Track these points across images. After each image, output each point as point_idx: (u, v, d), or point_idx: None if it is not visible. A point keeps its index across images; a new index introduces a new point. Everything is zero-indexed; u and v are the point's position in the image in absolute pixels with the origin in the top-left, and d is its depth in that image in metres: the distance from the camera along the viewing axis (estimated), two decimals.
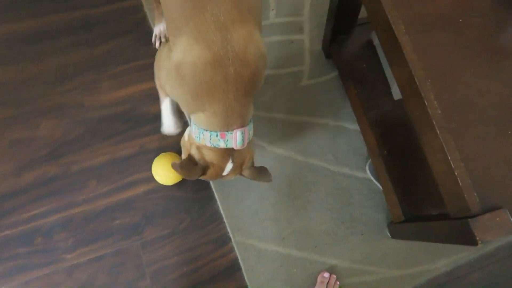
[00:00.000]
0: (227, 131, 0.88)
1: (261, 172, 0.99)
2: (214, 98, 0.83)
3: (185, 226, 1.25)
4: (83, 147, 1.29)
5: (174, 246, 1.23)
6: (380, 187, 1.27)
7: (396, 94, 1.27)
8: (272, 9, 1.49)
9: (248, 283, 1.21)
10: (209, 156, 0.92)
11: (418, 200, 1.13)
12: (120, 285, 1.19)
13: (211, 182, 1.29)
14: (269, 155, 1.33)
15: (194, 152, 0.93)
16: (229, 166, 0.94)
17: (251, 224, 1.26)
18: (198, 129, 0.90)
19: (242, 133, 0.89)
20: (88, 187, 1.26)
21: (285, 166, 1.32)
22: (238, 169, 0.96)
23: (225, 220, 1.26)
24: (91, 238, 1.22)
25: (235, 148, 0.90)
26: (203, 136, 0.89)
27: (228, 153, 0.92)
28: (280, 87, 1.40)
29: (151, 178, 1.26)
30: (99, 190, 1.26)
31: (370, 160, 1.32)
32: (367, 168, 1.34)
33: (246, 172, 0.98)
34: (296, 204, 1.29)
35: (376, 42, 1.33)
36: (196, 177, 0.94)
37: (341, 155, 1.35)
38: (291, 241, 1.26)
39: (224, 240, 1.24)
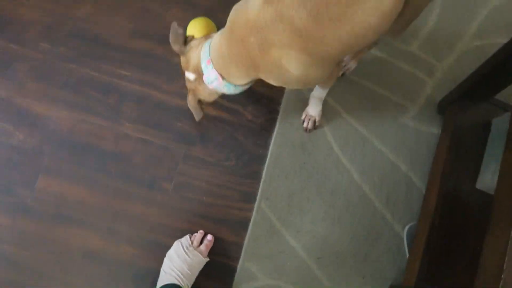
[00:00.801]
0: None
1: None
2: None
3: (228, 165, 1.30)
4: None
5: (208, 175, 1.29)
6: (407, 253, 1.26)
7: (481, 183, 1.23)
8: (418, 41, 1.47)
9: (244, 246, 1.25)
10: None
11: (440, 280, 1.10)
12: (148, 173, 1.27)
13: (271, 147, 1.33)
14: (333, 158, 1.34)
15: None
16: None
17: (280, 201, 1.30)
18: None
19: None
20: (176, 83, 1.34)
21: (341, 175, 1.33)
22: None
23: (261, 183, 1.30)
24: (151, 122, 1.31)
25: None
26: None
27: None
28: (380, 109, 1.40)
29: (227, 108, 1.32)
30: (183, 90, 1.33)
31: (414, 224, 1.30)
32: (406, 229, 1.32)
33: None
34: (328, 212, 1.30)
35: (494, 128, 1.29)
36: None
37: (393, 200, 1.33)
38: (303, 239, 1.28)
39: (250, 198, 1.29)
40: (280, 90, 1.37)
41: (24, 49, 1.31)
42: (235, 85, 0.99)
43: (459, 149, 1.28)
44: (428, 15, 1.47)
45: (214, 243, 1.23)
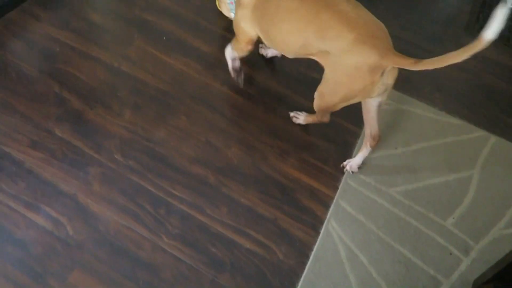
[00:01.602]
0: None
1: None
2: None
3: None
4: (243, 183, 1.52)
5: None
6: None
7: None
8: (453, 218, 1.53)
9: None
10: None
11: None
12: None
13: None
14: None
15: None
16: None
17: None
18: None
19: None
20: (219, 209, 1.46)
21: None
22: None
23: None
24: (188, 241, 1.39)
25: None
26: None
27: None
28: (411, 278, 1.39)
29: (261, 243, 1.38)
30: (224, 217, 1.44)
31: None
32: None
33: None
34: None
35: None
36: None
37: None
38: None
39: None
40: (314, 236, 1.43)
41: (100, 156, 1.53)
42: None
43: None
44: (463, 194, 1.56)
45: None
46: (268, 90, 1.78)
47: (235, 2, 1.59)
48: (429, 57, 2.03)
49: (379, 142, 1.51)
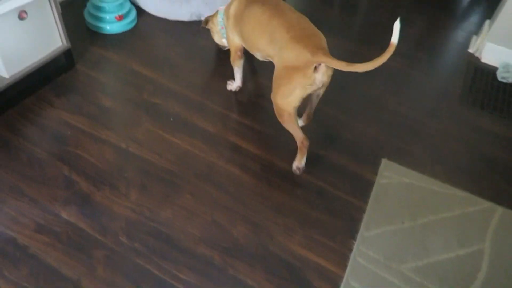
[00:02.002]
0: None
1: None
2: None
3: None
4: (250, 263, 1.49)
5: None
6: None
7: None
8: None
9: None
10: None
11: None
12: None
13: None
14: None
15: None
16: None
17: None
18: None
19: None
20: None
21: None
22: None
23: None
24: None
25: None
26: None
27: None
28: None
29: None
30: None
31: None
32: None
33: None
34: None
35: None
36: None
37: None
38: None
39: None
40: None
41: (105, 239, 1.52)
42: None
43: None
44: (476, 269, 1.52)
45: None
46: (272, 167, 1.81)
47: (224, 20, 1.98)
48: (427, 131, 2.11)
49: (310, 121, 1.91)
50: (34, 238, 1.49)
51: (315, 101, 1.79)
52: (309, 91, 1.57)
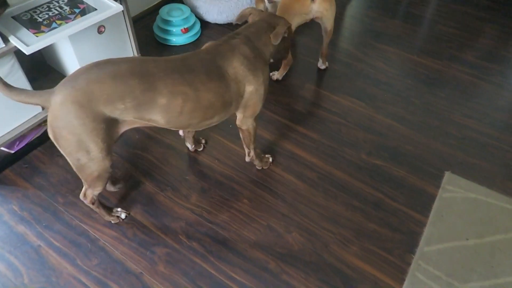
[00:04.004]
0: None
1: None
2: None
3: None
4: (304, 270, 1.49)
5: None
6: None
7: None
8: None
9: None
10: None
11: None
12: None
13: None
14: None
15: None
16: None
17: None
18: None
19: None
20: None
21: None
22: None
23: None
24: None
25: None
26: None
27: None
28: None
29: None
30: None
31: None
32: None
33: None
34: None
35: None
36: None
37: None
38: None
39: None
40: None
41: (166, 237, 1.60)
42: None
43: None
44: None
45: None
46: (328, 176, 1.81)
47: None
48: (499, 145, 1.98)
49: (326, 56, 2.33)
50: (104, 232, 1.61)
51: (325, 39, 2.19)
52: (306, 18, 1.97)
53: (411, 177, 1.81)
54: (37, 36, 1.62)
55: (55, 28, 1.68)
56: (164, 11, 2.52)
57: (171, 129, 1.40)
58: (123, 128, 1.32)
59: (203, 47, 1.45)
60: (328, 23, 2.06)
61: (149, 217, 1.66)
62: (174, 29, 2.50)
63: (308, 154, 1.90)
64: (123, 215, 1.65)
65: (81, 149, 1.25)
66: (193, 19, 2.57)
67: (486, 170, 1.84)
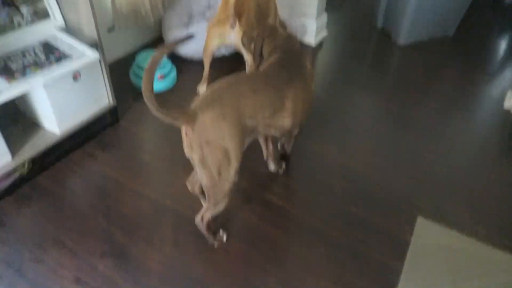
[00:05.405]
0: None
1: None
2: None
3: None
4: None
5: None
6: None
7: None
8: None
9: None
10: None
11: None
12: None
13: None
14: None
15: None
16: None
17: None
18: None
19: None
20: None
21: None
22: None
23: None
24: None
25: None
26: None
27: None
28: None
29: None
30: None
31: None
32: None
33: None
34: None
35: None
36: None
37: None
38: None
39: None
40: None
41: None
42: None
43: None
44: None
45: None
46: (302, 224, 1.81)
47: None
48: (466, 188, 2.02)
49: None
50: None
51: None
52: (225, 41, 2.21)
53: (385, 223, 1.83)
54: (9, 83, 1.60)
55: (29, 75, 1.66)
56: (140, 57, 2.55)
57: (291, 129, 1.66)
58: (248, 141, 1.46)
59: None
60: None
61: (120, 272, 1.59)
62: None
63: (283, 202, 1.90)
64: (224, 237, 1.69)
65: (224, 163, 1.31)
66: (169, 65, 2.60)
67: (456, 214, 1.88)
